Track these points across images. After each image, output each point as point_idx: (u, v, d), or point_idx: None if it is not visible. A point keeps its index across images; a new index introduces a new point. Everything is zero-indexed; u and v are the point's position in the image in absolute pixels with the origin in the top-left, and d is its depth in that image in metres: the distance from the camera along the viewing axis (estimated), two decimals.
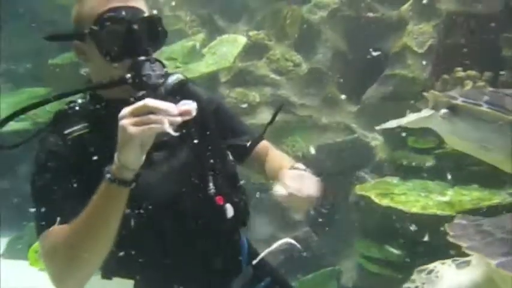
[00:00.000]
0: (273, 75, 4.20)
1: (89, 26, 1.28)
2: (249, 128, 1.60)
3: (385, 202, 3.11)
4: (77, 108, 1.36)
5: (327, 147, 4.15)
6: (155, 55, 1.34)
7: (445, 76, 3.73)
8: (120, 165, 1.13)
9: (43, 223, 1.23)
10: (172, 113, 1.10)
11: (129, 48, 1.28)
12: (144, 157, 1.14)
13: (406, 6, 3.99)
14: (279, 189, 1.20)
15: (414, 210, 2.97)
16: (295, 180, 1.21)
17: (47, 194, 1.25)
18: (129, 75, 1.25)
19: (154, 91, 1.27)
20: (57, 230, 1.21)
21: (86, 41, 1.31)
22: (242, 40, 3.93)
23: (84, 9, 1.31)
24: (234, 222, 1.42)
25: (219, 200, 1.37)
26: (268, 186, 4.35)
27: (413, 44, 3.83)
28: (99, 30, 1.27)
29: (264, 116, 4.12)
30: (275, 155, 1.58)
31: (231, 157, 1.51)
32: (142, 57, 1.28)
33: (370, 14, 4.19)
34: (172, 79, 1.40)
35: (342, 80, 4.31)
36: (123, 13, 1.27)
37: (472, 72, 3.66)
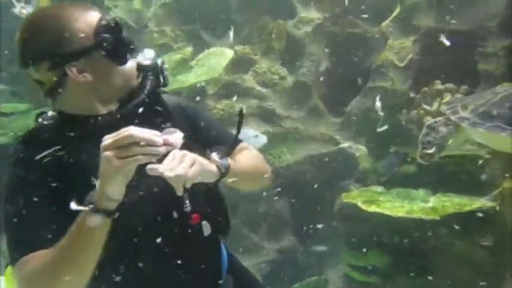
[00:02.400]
0: (259, 88, 4.29)
1: (86, 41, 1.28)
2: (226, 133, 1.56)
3: (371, 208, 3.19)
4: (47, 127, 1.33)
5: (312, 158, 4.24)
6: None
7: (425, 89, 3.90)
8: (104, 196, 1.11)
9: (18, 251, 1.20)
10: (157, 144, 1.09)
11: (131, 49, 1.36)
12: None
13: (386, 22, 4.16)
14: (150, 167, 1.16)
15: (400, 214, 3.05)
16: (172, 160, 1.19)
17: (19, 221, 1.22)
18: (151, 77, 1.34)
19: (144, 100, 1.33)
20: (35, 257, 1.18)
21: (84, 58, 1.28)
22: (229, 53, 4.01)
23: (73, 28, 1.28)
24: (213, 236, 1.42)
25: (195, 217, 1.35)
26: (253, 196, 4.37)
27: (395, 58, 3.99)
28: (104, 39, 1.29)
29: (250, 126, 4.19)
30: (242, 155, 1.53)
31: None
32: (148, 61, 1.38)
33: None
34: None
35: (326, 93, 4.43)
36: (113, 21, 1.34)
37: (450, 86, 3.83)
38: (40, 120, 1.35)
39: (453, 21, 3.80)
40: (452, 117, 2.54)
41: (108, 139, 1.09)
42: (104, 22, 1.31)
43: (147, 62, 1.39)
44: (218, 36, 4.79)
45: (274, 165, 4.19)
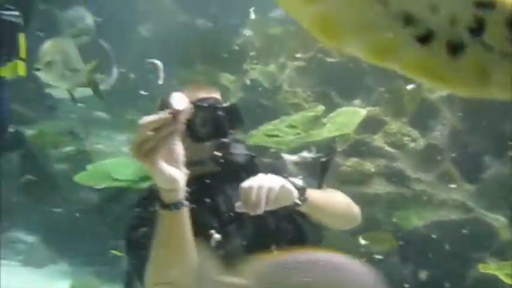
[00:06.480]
0: (388, 148, 4.32)
1: None
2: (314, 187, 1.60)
3: None
4: None
5: (441, 224, 4.06)
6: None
7: None
8: (162, 190, 1.19)
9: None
10: (167, 120, 1.12)
11: (215, 130, 1.45)
12: (181, 175, 1.18)
13: None
14: (237, 205, 1.26)
15: None
16: (251, 179, 1.29)
17: (141, 245, 1.37)
18: (219, 154, 1.42)
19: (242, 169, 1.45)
20: None
21: None
22: (362, 112, 4.15)
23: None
24: None
25: None
26: None
27: None
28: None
29: (377, 186, 4.19)
30: (326, 191, 1.59)
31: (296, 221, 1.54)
32: (228, 139, 1.48)
33: None
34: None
35: (459, 158, 4.29)
36: (209, 102, 1.48)
37: None
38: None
39: None
40: None
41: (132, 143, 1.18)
42: (199, 103, 1.46)
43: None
44: (349, 98, 4.98)
45: (400, 227, 4.09)
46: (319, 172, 1.57)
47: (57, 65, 3.28)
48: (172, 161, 1.16)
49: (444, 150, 4.27)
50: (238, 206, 1.27)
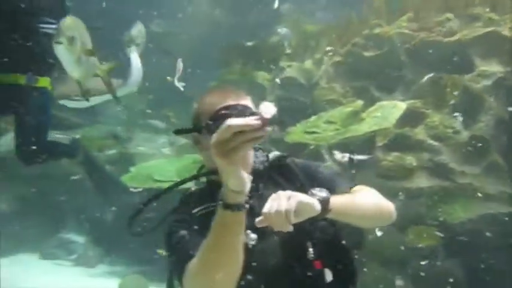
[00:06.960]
0: (430, 141, 4.21)
1: (206, 120, 1.47)
2: (343, 180, 1.63)
3: None
4: (198, 192, 1.57)
5: (489, 217, 3.93)
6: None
7: None
8: (229, 191, 1.20)
9: (181, 264, 1.37)
10: (255, 125, 1.11)
11: None
12: (248, 178, 1.20)
13: None
14: (258, 220, 1.27)
15: None
16: (271, 204, 1.28)
17: (180, 246, 1.42)
18: None
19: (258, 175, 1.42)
20: (190, 263, 1.35)
21: (203, 133, 1.49)
22: (402, 105, 4.07)
23: (203, 106, 1.52)
24: (337, 285, 1.48)
25: (317, 264, 1.45)
26: (422, 252, 4.10)
27: None
28: (214, 124, 1.41)
29: (420, 180, 4.10)
30: (355, 193, 1.57)
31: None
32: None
33: None
34: (270, 156, 1.58)
35: (507, 149, 4.14)
36: (236, 110, 1.43)
37: None
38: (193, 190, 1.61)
39: None
40: None
41: (213, 138, 1.16)
42: (225, 111, 1.45)
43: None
44: (388, 92, 4.89)
45: (445, 221, 3.99)
46: (349, 170, 1.57)
47: (76, 43, 3.06)
48: (244, 165, 1.20)
49: (491, 142, 4.12)
50: (258, 222, 1.29)
